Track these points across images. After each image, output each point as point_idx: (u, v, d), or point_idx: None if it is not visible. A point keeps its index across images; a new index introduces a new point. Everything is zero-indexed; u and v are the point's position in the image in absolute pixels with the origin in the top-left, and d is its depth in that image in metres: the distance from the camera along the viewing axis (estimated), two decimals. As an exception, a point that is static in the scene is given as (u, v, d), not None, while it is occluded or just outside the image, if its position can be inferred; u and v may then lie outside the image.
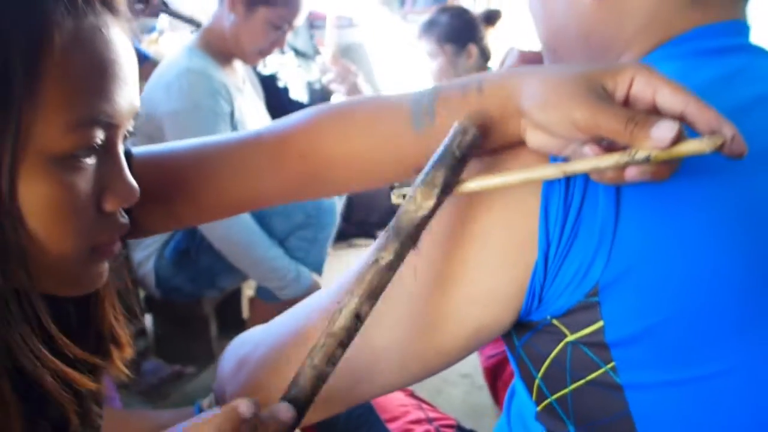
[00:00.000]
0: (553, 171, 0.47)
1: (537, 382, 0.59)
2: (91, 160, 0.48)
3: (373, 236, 3.31)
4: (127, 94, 0.50)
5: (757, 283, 0.51)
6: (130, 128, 0.53)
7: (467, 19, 2.14)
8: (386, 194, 2.00)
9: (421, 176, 0.46)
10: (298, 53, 3.17)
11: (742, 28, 0.62)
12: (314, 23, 3.51)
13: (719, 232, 0.51)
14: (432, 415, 0.90)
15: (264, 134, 0.64)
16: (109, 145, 0.51)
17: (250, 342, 0.70)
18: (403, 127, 0.57)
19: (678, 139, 0.42)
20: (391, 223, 0.46)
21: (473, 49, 2.11)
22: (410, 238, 0.46)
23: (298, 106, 3.12)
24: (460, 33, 2.11)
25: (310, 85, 3.16)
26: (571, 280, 0.52)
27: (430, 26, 2.14)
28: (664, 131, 0.42)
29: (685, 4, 0.60)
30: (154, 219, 0.62)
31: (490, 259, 0.54)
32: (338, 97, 2.09)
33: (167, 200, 0.63)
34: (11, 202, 0.44)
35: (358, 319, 0.46)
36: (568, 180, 0.51)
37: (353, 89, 1.94)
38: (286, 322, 0.67)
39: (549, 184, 0.52)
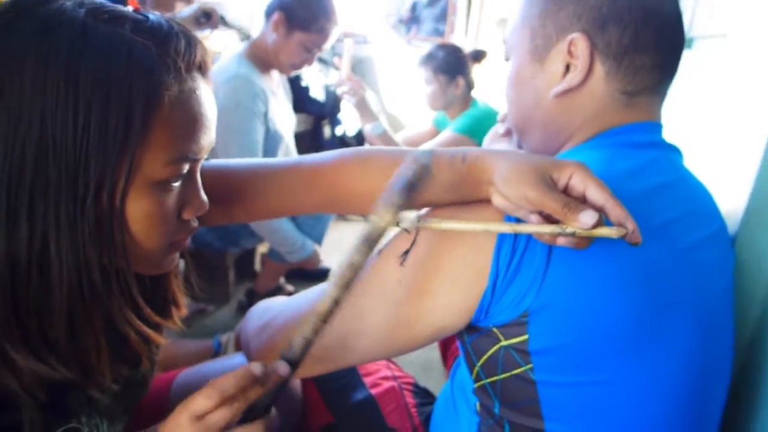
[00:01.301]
0: (506, 228, 0.52)
1: (477, 368, 0.64)
2: (177, 184, 0.53)
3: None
4: (209, 137, 0.54)
5: (640, 321, 0.57)
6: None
7: (459, 56, 2.12)
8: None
9: (384, 198, 0.48)
10: (319, 60, 3.16)
11: (657, 127, 0.67)
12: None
13: (619, 283, 0.56)
14: (397, 373, 0.94)
15: (303, 164, 0.67)
16: (191, 171, 0.55)
17: (272, 310, 0.74)
18: None
19: (597, 225, 0.48)
20: (362, 233, 0.48)
21: (461, 81, 2.11)
22: (374, 243, 0.48)
23: (315, 103, 3.12)
24: (452, 67, 2.10)
25: (327, 87, 3.15)
26: (510, 303, 0.57)
27: (428, 59, 2.12)
28: (587, 218, 0.48)
29: (620, 106, 0.65)
30: (213, 216, 0.66)
31: (454, 282, 0.58)
32: (348, 106, 2.07)
33: (225, 204, 0.67)
34: (121, 213, 0.49)
35: (336, 303, 0.49)
36: (517, 234, 0.56)
37: (361, 102, 1.94)
38: (301, 302, 0.70)
39: (502, 236, 0.57)
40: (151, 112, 0.48)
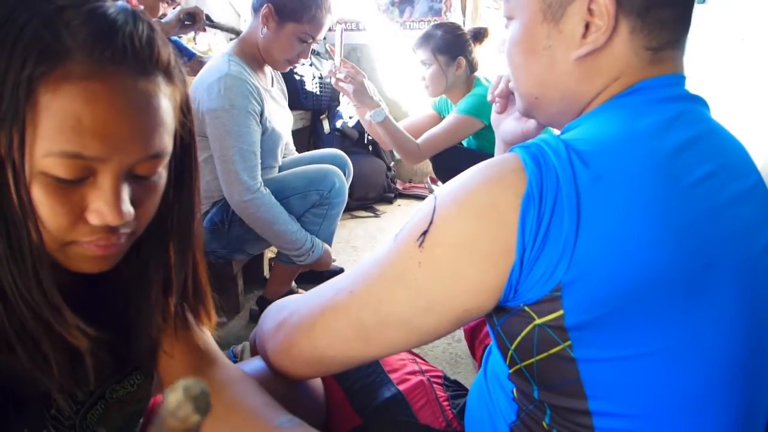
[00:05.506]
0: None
1: (510, 352, 0.64)
2: (79, 184, 0.51)
3: (372, 209, 3.35)
4: (128, 144, 0.51)
5: (679, 284, 0.56)
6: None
7: (459, 35, 2.10)
8: (383, 174, 2.10)
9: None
10: (313, 52, 3.16)
11: (681, 79, 0.66)
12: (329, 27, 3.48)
13: (655, 246, 0.54)
14: (424, 367, 0.93)
15: None
16: (102, 174, 0.52)
17: (287, 309, 0.74)
18: None
19: None
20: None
21: (462, 61, 2.09)
22: None
23: (312, 96, 3.13)
24: (452, 47, 2.07)
25: (321, 79, 3.15)
26: (540, 278, 0.56)
27: (426, 38, 2.10)
28: None
29: (645, 63, 0.64)
30: None
31: (478, 260, 0.57)
32: (344, 98, 2.04)
33: None
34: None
35: None
36: (540, 201, 0.55)
37: (360, 88, 1.92)
38: (316, 298, 0.70)
39: (525, 205, 0.55)
40: (34, 88, 0.46)
